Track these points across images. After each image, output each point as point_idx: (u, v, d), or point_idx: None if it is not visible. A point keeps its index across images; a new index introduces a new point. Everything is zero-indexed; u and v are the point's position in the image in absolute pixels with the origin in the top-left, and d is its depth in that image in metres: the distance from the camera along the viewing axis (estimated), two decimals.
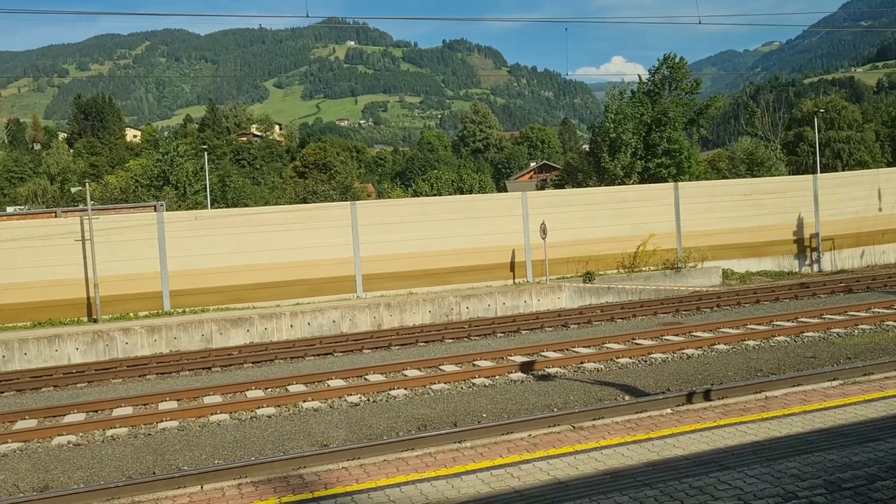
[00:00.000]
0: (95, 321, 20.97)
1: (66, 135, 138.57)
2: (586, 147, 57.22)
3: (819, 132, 56.71)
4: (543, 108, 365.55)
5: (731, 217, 26.92)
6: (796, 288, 22.00)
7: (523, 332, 18.42)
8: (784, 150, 61.24)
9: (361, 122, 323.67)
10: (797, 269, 27.73)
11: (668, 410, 8.70)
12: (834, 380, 9.96)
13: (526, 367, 13.56)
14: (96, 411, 12.48)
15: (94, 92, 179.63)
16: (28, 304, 20.93)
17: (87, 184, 28.78)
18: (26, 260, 20.95)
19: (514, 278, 24.58)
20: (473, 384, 12.87)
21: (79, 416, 12.13)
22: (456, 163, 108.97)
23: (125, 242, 21.75)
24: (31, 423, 11.99)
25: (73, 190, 76.47)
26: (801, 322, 16.49)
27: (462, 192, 63.31)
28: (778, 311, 18.35)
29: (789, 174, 50.34)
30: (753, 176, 46.44)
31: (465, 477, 6.71)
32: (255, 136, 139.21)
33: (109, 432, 11.08)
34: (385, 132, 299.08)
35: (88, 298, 21.36)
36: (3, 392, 14.96)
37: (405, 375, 13.71)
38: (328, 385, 13.33)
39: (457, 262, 23.96)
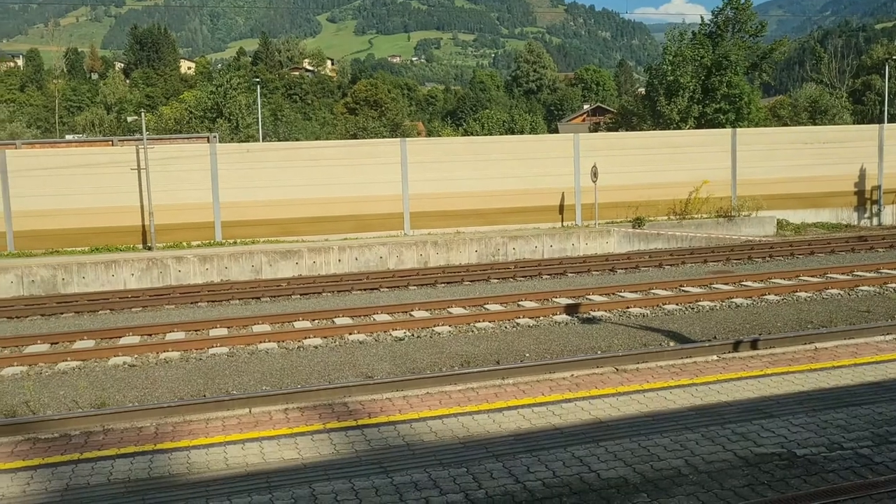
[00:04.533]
0: (150, 249, 21.52)
1: (122, 65, 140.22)
2: (642, 90, 55.86)
3: (889, 81, 54.32)
4: (600, 48, 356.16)
5: (789, 166, 26.13)
6: (853, 241, 21.41)
7: (569, 274, 18.34)
8: (850, 99, 58.97)
9: (413, 59, 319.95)
10: (856, 222, 26.94)
11: (714, 357, 8.63)
12: (888, 334, 9.72)
13: (571, 310, 13.54)
14: (150, 335, 12.88)
15: (150, 22, 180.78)
16: (87, 230, 21.56)
17: (142, 114, 29.20)
18: (85, 187, 21.51)
19: (562, 221, 24.39)
20: (517, 324, 12.91)
21: (133, 339, 12.54)
22: (508, 103, 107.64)
23: (179, 172, 22.13)
24: (89, 343, 12.46)
25: (128, 119, 77.82)
26: (857, 276, 16.06)
27: (513, 133, 62.57)
28: (832, 264, 17.91)
29: (854, 124, 48.55)
30: (815, 125, 44.91)
31: (506, 412, 6.79)
32: (307, 70, 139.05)
33: (162, 355, 11.45)
34: (437, 70, 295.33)
35: (143, 226, 21.90)
36: (63, 313, 15.55)
37: (450, 313, 13.81)
38: (374, 319, 13.51)
39: (505, 203, 23.85)
